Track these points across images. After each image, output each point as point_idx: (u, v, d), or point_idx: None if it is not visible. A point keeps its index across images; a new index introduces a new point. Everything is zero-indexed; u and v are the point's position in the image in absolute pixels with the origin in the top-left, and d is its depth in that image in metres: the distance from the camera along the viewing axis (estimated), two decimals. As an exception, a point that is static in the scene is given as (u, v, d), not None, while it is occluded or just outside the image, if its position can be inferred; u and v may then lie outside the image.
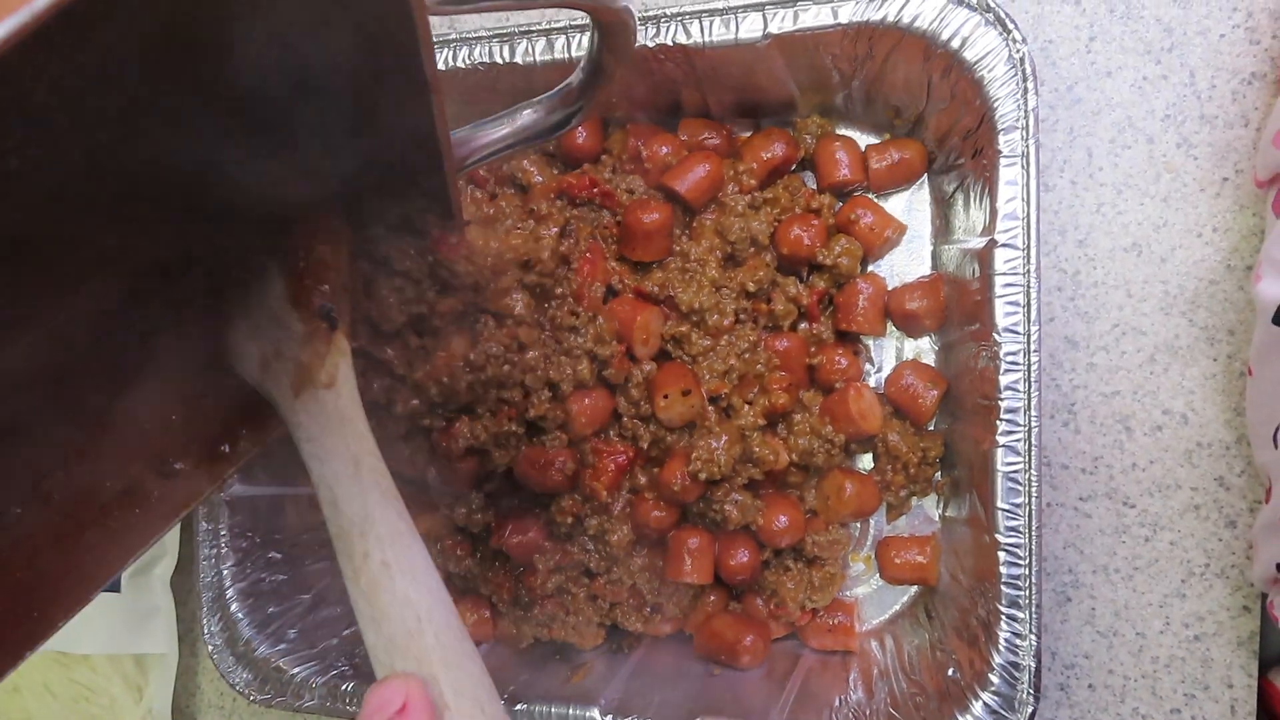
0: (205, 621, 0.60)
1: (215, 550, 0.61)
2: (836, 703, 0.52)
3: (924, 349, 0.56)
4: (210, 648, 0.60)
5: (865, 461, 0.57)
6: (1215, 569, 0.51)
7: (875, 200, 0.56)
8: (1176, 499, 0.52)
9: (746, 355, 0.54)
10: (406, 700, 0.31)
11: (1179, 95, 0.52)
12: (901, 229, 0.56)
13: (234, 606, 0.60)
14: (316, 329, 0.38)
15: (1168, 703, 0.52)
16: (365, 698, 0.31)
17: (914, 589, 0.56)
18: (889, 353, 0.57)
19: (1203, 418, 0.52)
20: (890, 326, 0.56)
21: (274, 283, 0.40)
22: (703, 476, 0.52)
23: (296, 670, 0.59)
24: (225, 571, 0.61)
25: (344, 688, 0.58)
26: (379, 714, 0.30)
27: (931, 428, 0.55)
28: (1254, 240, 0.51)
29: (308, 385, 0.38)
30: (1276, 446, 0.46)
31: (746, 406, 0.53)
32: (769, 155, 0.55)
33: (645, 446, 0.55)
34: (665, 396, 0.53)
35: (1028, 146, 0.46)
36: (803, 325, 0.56)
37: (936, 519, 0.55)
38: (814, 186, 0.57)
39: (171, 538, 0.68)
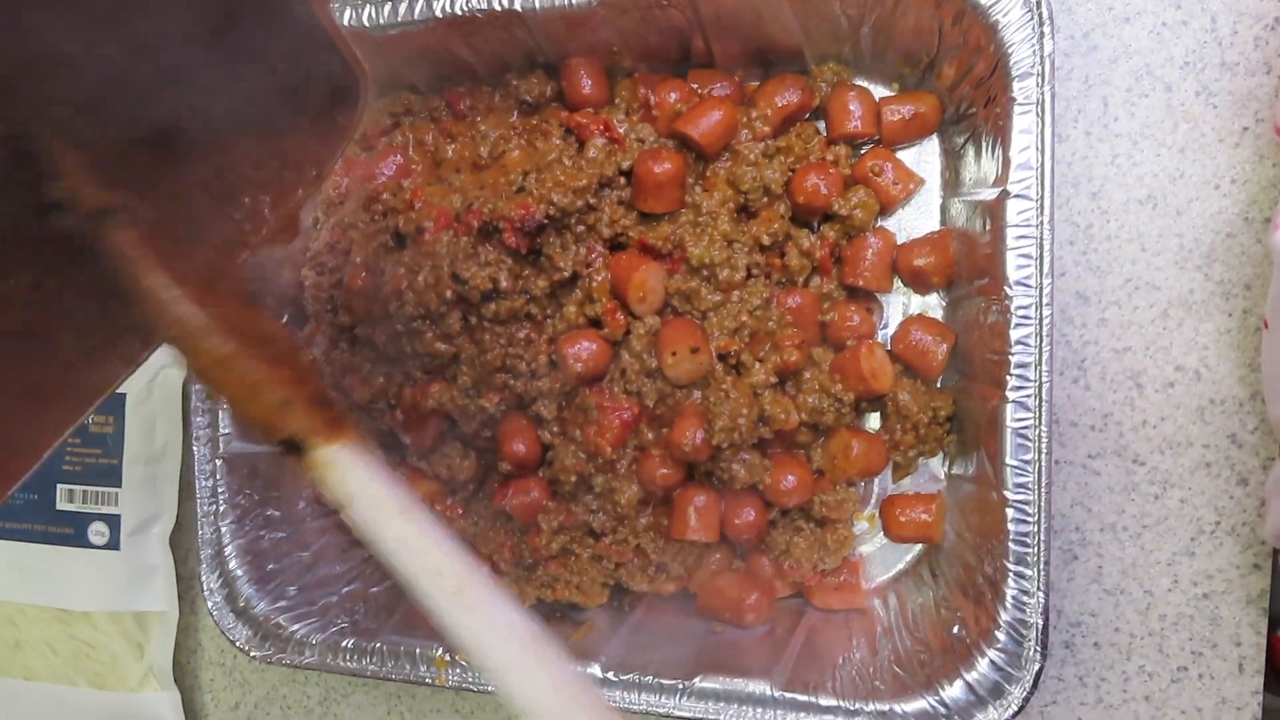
0: (205, 579, 0.60)
1: (214, 508, 0.60)
2: (840, 661, 0.52)
3: (931, 305, 0.55)
4: (210, 605, 0.60)
5: (873, 420, 0.56)
6: (1226, 526, 0.51)
7: (893, 153, 0.55)
8: (1187, 456, 0.51)
9: (758, 312, 0.52)
10: None
11: (1199, 42, 0.50)
12: (920, 183, 0.54)
13: (233, 564, 0.60)
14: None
15: (1174, 660, 0.52)
16: None
17: (918, 547, 0.55)
18: (895, 309, 0.56)
19: (1216, 374, 0.51)
20: (897, 283, 0.55)
21: None
22: (725, 445, 0.51)
23: (296, 627, 0.59)
24: (224, 529, 0.60)
25: (343, 644, 0.57)
26: None
27: (939, 384, 0.54)
28: (1273, 191, 0.50)
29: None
30: (1291, 402, 0.45)
31: (757, 364, 0.52)
32: (783, 102, 0.54)
33: (651, 404, 0.54)
34: (673, 354, 0.51)
35: (1043, 93, 0.45)
36: (815, 280, 0.55)
37: (942, 477, 0.55)
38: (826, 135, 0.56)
39: (170, 496, 0.68)
